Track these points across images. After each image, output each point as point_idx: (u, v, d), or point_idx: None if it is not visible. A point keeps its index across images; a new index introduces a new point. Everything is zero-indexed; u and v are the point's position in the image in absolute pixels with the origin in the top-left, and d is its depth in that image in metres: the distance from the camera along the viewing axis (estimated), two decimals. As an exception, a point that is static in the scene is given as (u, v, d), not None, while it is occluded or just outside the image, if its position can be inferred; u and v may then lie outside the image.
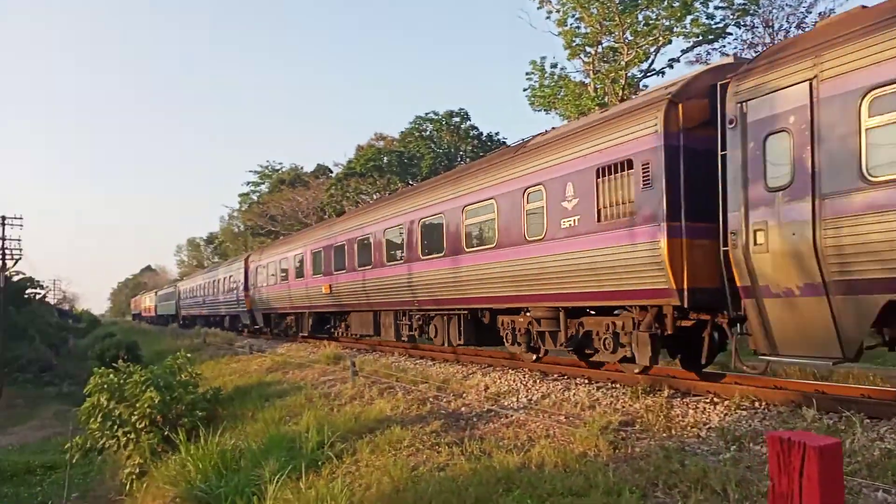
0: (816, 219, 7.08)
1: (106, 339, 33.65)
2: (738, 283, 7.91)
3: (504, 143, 48.02)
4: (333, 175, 58.26)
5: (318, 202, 53.72)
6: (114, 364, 14.14)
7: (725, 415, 7.62)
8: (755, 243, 7.67)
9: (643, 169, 9.01)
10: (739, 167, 7.88)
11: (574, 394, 9.48)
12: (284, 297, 25.58)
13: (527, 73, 30.29)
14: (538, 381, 10.81)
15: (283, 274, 25.59)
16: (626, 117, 9.52)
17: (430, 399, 10.53)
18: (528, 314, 11.80)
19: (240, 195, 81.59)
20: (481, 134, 51.07)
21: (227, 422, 12.10)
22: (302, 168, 72.72)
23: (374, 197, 43.98)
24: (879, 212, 6.56)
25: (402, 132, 53.30)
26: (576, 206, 10.20)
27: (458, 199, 13.46)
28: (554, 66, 29.62)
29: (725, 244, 8.06)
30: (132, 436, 12.41)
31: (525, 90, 31.22)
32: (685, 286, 8.46)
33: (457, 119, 50.82)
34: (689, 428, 7.31)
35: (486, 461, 6.95)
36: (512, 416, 8.73)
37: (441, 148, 49.67)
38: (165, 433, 12.05)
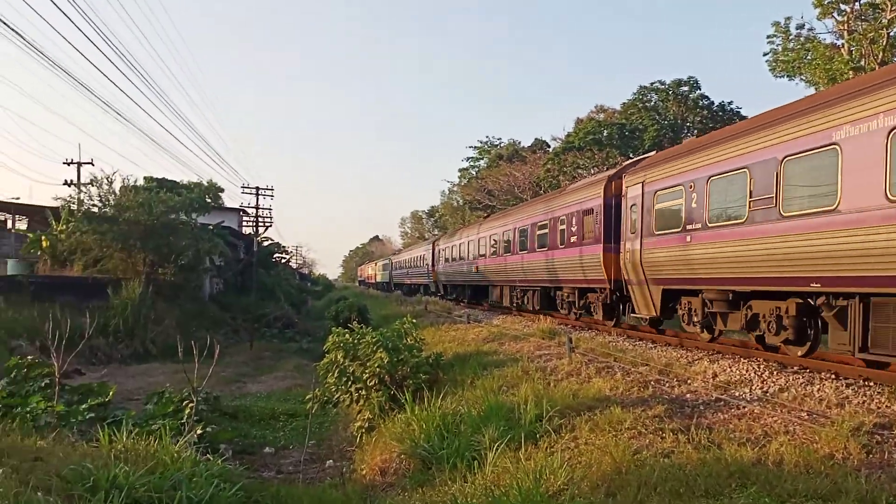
0: (641, 248, 14.80)
1: (339, 301, 36.28)
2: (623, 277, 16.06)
3: (739, 113, 44.76)
4: (551, 150, 58.09)
5: (534, 177, 53.95)
6: (348, 325, 15.22)
7: None
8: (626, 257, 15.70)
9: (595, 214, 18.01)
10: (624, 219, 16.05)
11: (818, 389, 8.62)
12: (458, 272, 35.40)
13: (768, 36, 28.08)
14: (775, 372, 9.99)
15: (459, 255, 34.60)
16: (589, 186, 19.23)
17: (652, 382, 10.14)
18: None
19: (459, 170, 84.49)
20: (712, 104, 47.93)
21: (447, 386, 12.56)
22: (520, 143, 73.47)
23: (592, 172, 43.15)
24: (658, 247, 14.11)
25: (624, 104, 51.65)
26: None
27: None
28: (800, 27, 27.09)
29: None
30: (363, 392, 13.28)
31: (766, 55, 28.88)
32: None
33: (685, 88, 48.18)
34: (961, 438, 6.34)
35: (715, 452, 6.55)
36: (745, 407, 8.13)
37: (666, 120, 47.40)
38: (392, 392, 12.73)
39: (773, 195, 10.25)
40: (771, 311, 11.15)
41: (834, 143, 9.08)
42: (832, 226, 9.02)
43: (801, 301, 10.47)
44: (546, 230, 21.48)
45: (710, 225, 12.10)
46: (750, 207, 10.86)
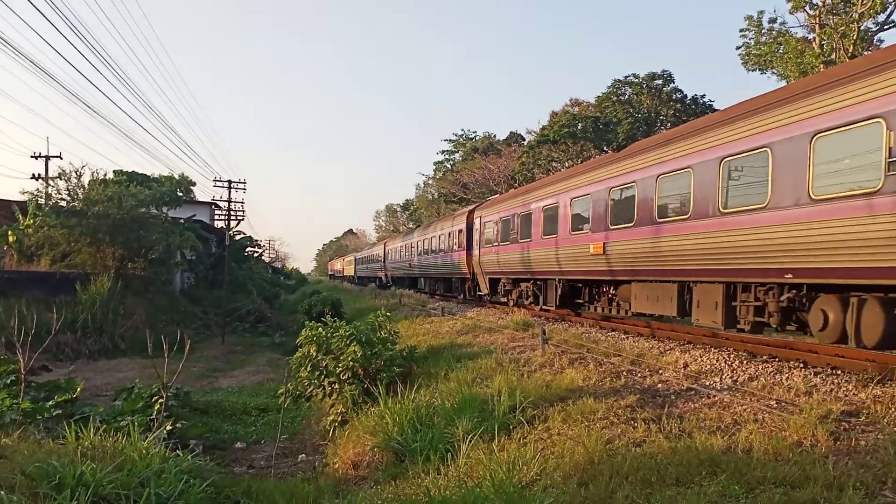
0: (479, 254, 26.10)
1: (313, 295, 36.10)
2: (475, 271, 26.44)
3: (711, 107, 45.19)
4: (526, 143, 58.22)
5: (509, 170, 54.05)
6: (322, 319, 15.12)
7: (974, 413, 6.63)
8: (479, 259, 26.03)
9: (460, 233, 30.20)
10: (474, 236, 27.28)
11: (787, 378, 8.72)
12: (399, 268, 48.37)
13: (741, 30, 28.37)
14: (745, 361, 10.10)
15: (400, 255, 47.65)
16: (459, 217, 31.85)
17: (624, 373, 10.20)
18: None
19: (435, 163, 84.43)
20: (685, 97, 48.32)
21: (421, 379, 12.53)
22: (495, 136, 73.56)
23: (567, 165, 43.31)
24: (488, 253, 24.99)
25: (598, 97, 51.89)
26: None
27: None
28: (773, 20, 27.37)
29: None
30: (336, 386, 13.19)
31: (738, 48, 29.19)
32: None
33: (659, 82, 48.48)
34: (926, 424, 6.44)
35: (686, 441, 6.59)
36: (715, 396, 8.20)
37: (640, 113, 47.69)
38: (366, 385, 12.68)
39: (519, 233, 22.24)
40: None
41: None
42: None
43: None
44: (438, 242, 34.64)
45: (501, 243, 23.33)
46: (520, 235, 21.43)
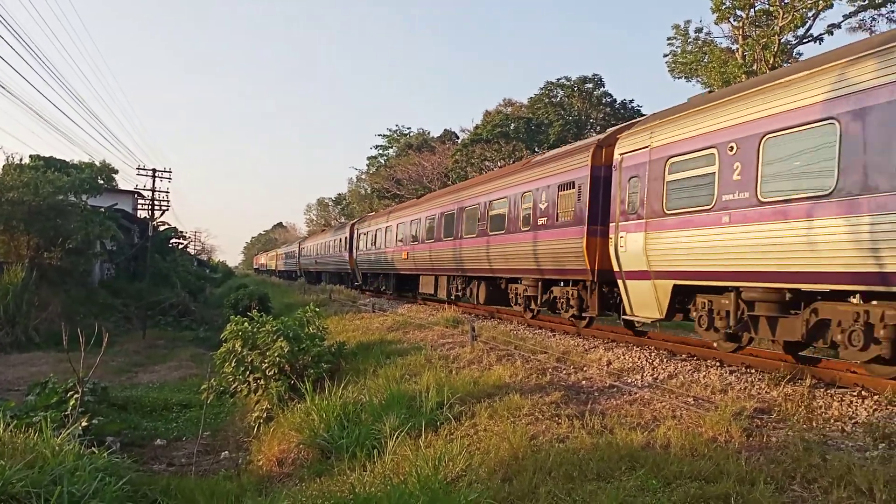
0: (356, 256, 32.37)
1: (240, 289, 35.41)
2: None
3: (639, 111, 46.36)
4: (459, 141, 58.49)
5: (443, 167, 54.18)
6: (248, 313, 14.83)
7: (875, 410, 7.02)
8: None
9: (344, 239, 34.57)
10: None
11: (704, 376, 9.05)
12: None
13: (668, 38, 29.16)
14: (665, 359, 10.43)
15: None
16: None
17: (550, 370, 10.38)
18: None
19: (368, 158, 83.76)
20: (615, 101, 49.47)
21: (349, 375, 12.46)
22: (429, 133, 73.56)
23: (499, 164, 43.72)
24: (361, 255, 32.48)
25: (531, 98, 52.57)
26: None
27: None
28: (699, 30, 28.26)
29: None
30: (262, 382, 12.98)
31: (665, 56, 29.98)
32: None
33: (589, 85, 49.47)
34: (832, 421, 6.78)
35: (608, 437, 6.76)
36: (636, 393, 8.44)
37: (571, 115, 48.57)
38: (292, 382, 12.51)
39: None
40: None
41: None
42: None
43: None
44: (333, 245, 42.46)
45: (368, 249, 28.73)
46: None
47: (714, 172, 9.69)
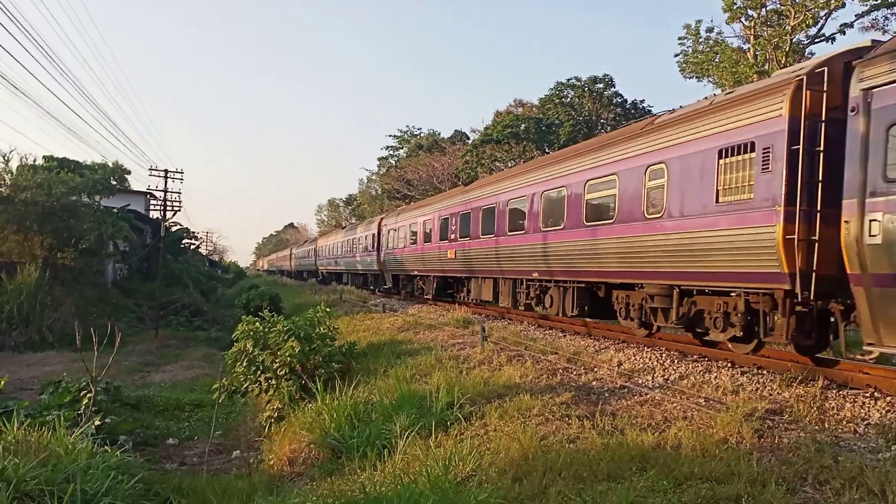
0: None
1: (251, 289, 35.47)
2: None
3: (649, 111, 46.23)
4: (470, 141, 58.46)
5: (453, 168, 54.17)
6: (259, 313, 14.88)
7: (888, 411, 7.00)
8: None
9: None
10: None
11: (715, 377, 9.02)
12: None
13: (679, 38, 29.00)
14: (676, 360, 10.40)
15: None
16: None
17: (560, 370, 10.37)
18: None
19: (379, 159, 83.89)
20: (625, 101, 49.32)
21: (360, 375, 12.48)
22: (440, 134, 73.63)
23: (510, 165, 43.65)
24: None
25: (541, 98, 52.48)
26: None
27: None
28: (710, 30, 28.12)
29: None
30: (273, 382, 13.01)
31: (677, 56, 29.86)
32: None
33: (600, 85, 49.39)
34: (844, 422, 6.76)
35: (618, 437, 6.75)
36: (647, 394, 8.42)
37: (582, 115, 48.46)
38: (303, 382, 12.54)
39: None
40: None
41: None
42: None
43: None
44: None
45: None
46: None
47: None
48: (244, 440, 13.14)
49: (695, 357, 10.83)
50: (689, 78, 29.50)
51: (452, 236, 22.25)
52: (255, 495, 8.49)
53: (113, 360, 10.32)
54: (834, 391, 7.93)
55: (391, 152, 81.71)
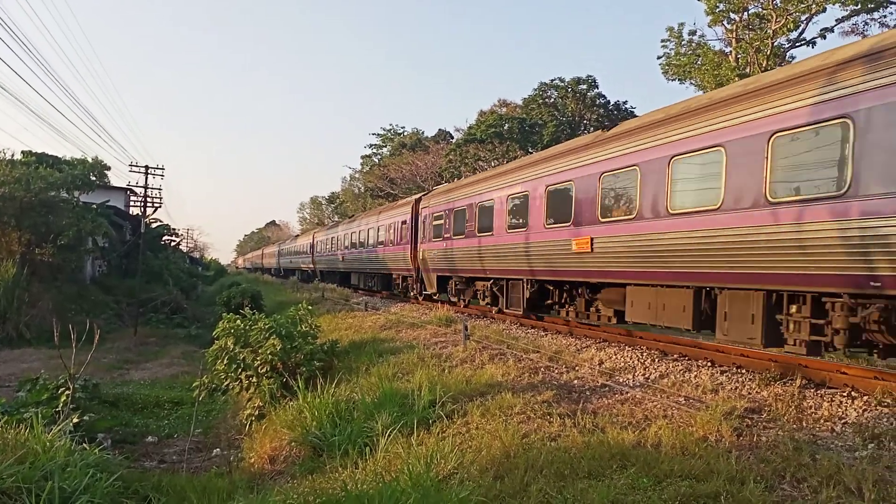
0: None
1: (232, 287, 35.22)
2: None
3: (632, 112, 46.49)
4: (454, 140, 58.48)
5: (436, 167, 54.16)
6: (240, 311, 14.80)
7: (864, 410, 7.08)
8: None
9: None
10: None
11: (696, 376, 9.11)
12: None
13: (662, 41, 29.26)
14: (657, 359, 10.47)
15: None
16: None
17: (542, 369, 10.41)
18: None
19: (362, 157, 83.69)
20: (608, 102, 49.54)
21: (342, 373, 12.44)
22: (423, 132, 73.60)
23: (493, 164, 43.72)
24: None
25: (525, 99, 52.62)
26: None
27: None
28: (692, 33, 28.40)
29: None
30: (254, 379, 12.95)
31: (659, 58, 30.08)
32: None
33: (583, 86, 49.57)
34: (822, 421, 6.84)
35: (599, 436, 6.79)
36: (627, 392, 8.48)
37: (565, 116, 48.63)
38: (284, 379, 12.48)
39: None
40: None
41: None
42: None
43: None
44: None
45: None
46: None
47: None
48: (224, 438, 13.07)
49: (675, 356, 10.92)
50: (672, 80, 29.77)
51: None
52: (236, 493, 8.43)
53: (91, 358, 10.21)
54: (812, 390, 8.03)
55: (375, 150, 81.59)
